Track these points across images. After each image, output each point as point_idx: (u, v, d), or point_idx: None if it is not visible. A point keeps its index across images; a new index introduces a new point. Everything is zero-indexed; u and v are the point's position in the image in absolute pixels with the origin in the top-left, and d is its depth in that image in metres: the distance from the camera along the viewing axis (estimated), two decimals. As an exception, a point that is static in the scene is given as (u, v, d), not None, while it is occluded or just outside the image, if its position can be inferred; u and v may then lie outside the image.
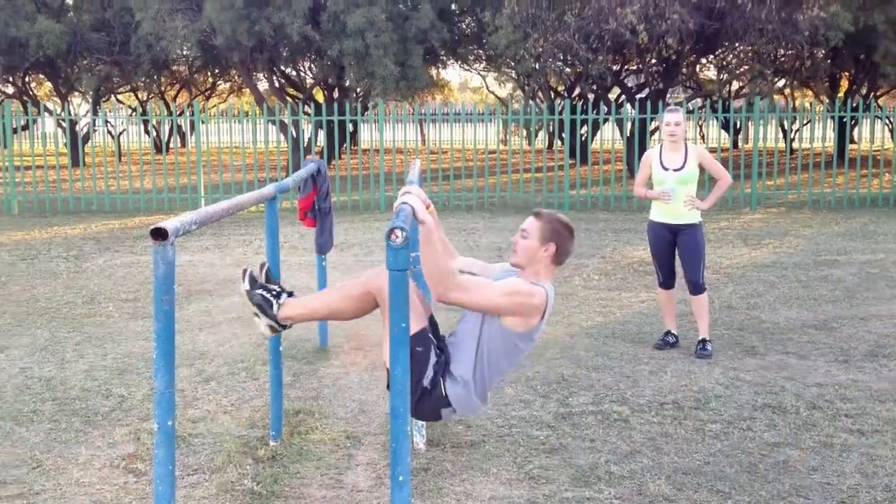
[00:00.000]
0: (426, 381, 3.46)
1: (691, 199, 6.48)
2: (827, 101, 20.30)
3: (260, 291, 3.73)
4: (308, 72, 28.14)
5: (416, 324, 3.44)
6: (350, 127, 20.11)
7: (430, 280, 3.24)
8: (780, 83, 25.33)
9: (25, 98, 28.94)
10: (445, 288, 3.25)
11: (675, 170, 6.48)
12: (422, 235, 3.23)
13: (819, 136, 36.58)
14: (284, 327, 3.73)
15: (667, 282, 6.71)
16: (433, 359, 3.48)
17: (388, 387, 3.53)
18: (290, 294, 3.78)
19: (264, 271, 3.84)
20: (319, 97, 29.17)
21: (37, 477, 4.33)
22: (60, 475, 4.35)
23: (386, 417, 5.12)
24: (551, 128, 32.07)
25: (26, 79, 29.94)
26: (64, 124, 19.63)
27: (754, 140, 16.38)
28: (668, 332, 6.72)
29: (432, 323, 3.62)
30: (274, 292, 3.74)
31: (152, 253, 2.70)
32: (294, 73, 28.27)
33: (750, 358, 6.38)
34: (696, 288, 6.53)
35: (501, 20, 18.44)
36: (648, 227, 6.74)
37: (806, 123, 31.70)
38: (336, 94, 26.63)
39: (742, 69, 22.56)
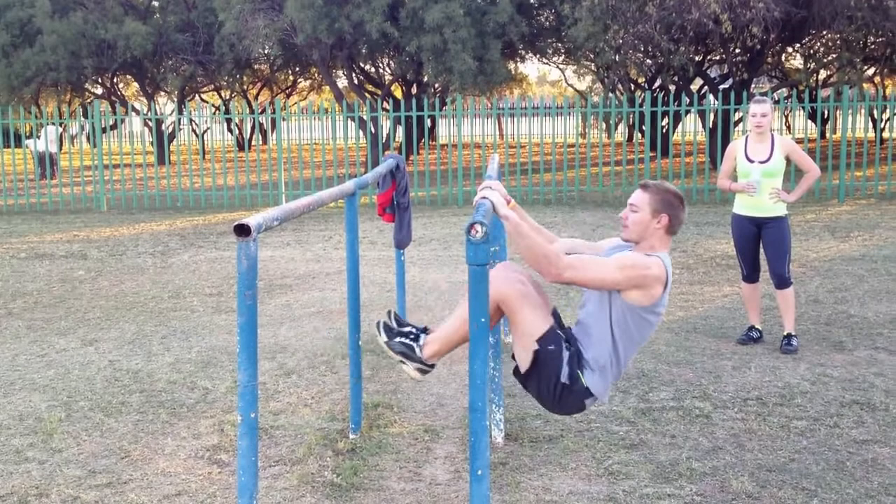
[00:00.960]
0: (564, 378, 3.44)
1: (777, 191, 6.33)
2: (919, 88, 19.68)
3: (398, 339, 3.66)
4: (386, 68, 28.30)
5: (543, 323, 3.43)
6: (428, 122, 20.20)
7: (538, 267, 3.23)
8: (870, 71, 24.60)
9: (114, 98, 29.76)
10: (557, 269, 3.23)
11: (760, 162, 6.33)
12: (511, 230, 3.20)
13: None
14: (432, 366, 3.65)
15: (751, 276, 6.57)
16: (566, 354, 3.45)
17: (513, 373, 3.56)
18: (425, 330, 3.72)
19: (393, 317, 3.76)
20: (398, 93, 29.34)
21: (125, 467, 4.45)
22: (147, 465, 4.47)
23: (464, 411, 5.13)
24: (631, 120, 31.70)
25: (114, 79, 30.78)
26: (150, 123, 20.11)
27: (842, 130, 15.93)
28: (751, 327, 6.58)
29: (556, 316, 3.59)
30: (412, 335, 3.67)
31: (236, 248, 2.75)
32: (373, 69, 28.47)
33: (837, 353, 6.21)
34: (782, 282, 6.39)
35: (581, 12, 18.26)
36: (732, 220, 6.61)
37: (897, 112, 30.74)
38: (414, 90, 26.74)
39: (830, 57, 21.97)
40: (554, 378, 3.43)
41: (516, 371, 3.57)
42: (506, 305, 3.47)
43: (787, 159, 6.42)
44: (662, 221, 3.52)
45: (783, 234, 6.37)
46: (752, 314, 6.62)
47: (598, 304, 3.48)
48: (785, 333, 6.39)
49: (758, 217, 6.41)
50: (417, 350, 3.63)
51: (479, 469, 2.81)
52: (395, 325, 3.74)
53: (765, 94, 18.51)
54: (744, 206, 6.48)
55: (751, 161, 6.37)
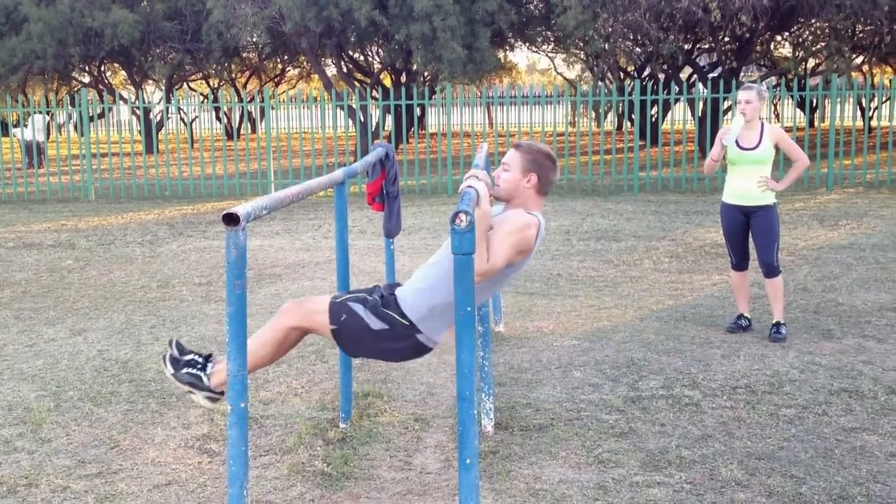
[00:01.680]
0: (376, 326, 3.53)
1: (765, 179, 6.34)
2: (907, 77, 19.76)
3: (185, 370, 3.68)
4: (376, 56, 28.22)
5: (322, 307, 3.60)
6: (418, 111, 20.17)
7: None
8: (858, 60, 24.65)
9: (101, 87, 29.61)
10: (480, 275, 3.30)
11: (749, 149, 6.34)
12: (476, 222, 3.22)
13: (899, 114, 35.54)
14: (222, 394, 3.66)
15: (740, 264, 6.59)
16: (360, 307, 3.57)
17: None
18: (209, 357, 3.75)
19: (174, 346, 3.78)
20: (387, 82, 29.27)
21: (114, 456, 4.44)
22: (137, 455, 4.46)
23: (454, 400, 5.14)
24: (621, 109, 31.70)
25: (102, 68, 30.62)
26: (138, 112, 20.01)
27: (831, 118, 15.97)
28: (740, 316, 6.60)
29: (351, 291, 3.79)
30: (198, 365, 3.70)
31: (225, 238, 2.74)
32: (362, 57, 28.40)
33: (826, 341, 6.24)
34: (770, 270, 6.41)
35: (570, 0, 18.25)
36: (721, 209, 6.62)
37: (885, 101, 30.79)
38: (403, 79, 26.68)
39: (818, 46, 22.00)
40: (367, 333, 3.53)
41: (349, 353, 3.75)
42: (311, 324, 3.63)
43: (777, 148, 6.42)
44: (532, 181, 3.61)
45: (772, 222, 6.38)
46: (741, 302, 6.64)
47: (447, 265, 3.50)
48: (774, 322, 6.41)
49: (746, 206, 6.42)
50: (205, 379, 3.67)
51: (469, 458, 2.81)
52: (177, 354, 3.75)
53: (754, 82, 18.57)
54: (732, 195, 6.49)
55: (741, 148, 6.37)
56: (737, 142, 6.38)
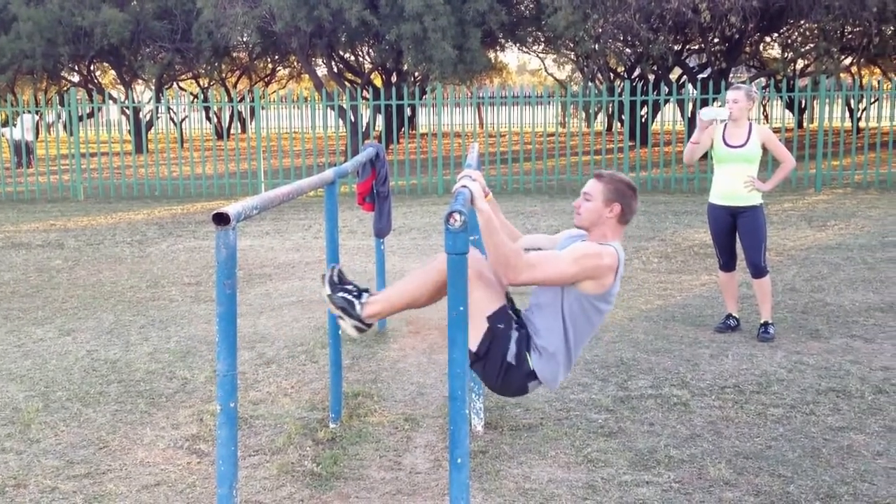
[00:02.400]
0: (510, 358, 3.46)
1: (752, 179, 6.36)
2: (895, 78, 19.82)
3: (341, 294, 3.67)
4: (366, 56, 28.22)
5: (495, 301, 3.45)
6: (408, 111, 20.17)
7: (498, 267, 3.25)
8: (847, 61, 24.75)
9: (90, 86, 29.52)
10: (515, 272, 3.26)
11: (737, 147, 6.36)
12: (482, 225, 3.22)
13: (887, 115, 35.69)
14: (369, 325, 3.66)
15: (727, 264, 6.61)
16: (514, 334, 3.47)
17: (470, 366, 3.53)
18: (367, 291, 3.73)
19: (336, 272, 3.77)
20: (377, 82, 29.25)
21: (103, 457, 4.44)
22: (126, 455, 4.45)
23: (444, 400, 5.14)
24: (611, 110, 31.75)
25: (91, 67, 30.52)
26: (128, 111, 19.97)
27: (819, 119, 16.03)
28: (729, 316, 6.63)
29: (508, 299, 3.61)
30: (354, 292, 3.69)
31: (215, 237, 2.74)
32: (352, 58, 28.38)
33: (814, 341, 6.27)
34: (758, 271, 6.43)
35: (561, 1, 18.27)
36: (708, 210, 6.64)
37: (873, 102, 30.92)
38: (394, 79, 26.68)
39: (807, 47, 22.07)
40: (501, 356, 3.46)
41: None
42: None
43: (764, 148, 6.45)
44: (615, 210, 3.56)
45: (758, 223, 6.40)
46: (729, 302, 6.67)
47: (550, 292, 3.50)
48: (762, 322, 6.43)
49: (733, 206, 6.44)
50: (357, 307, 3.63)
51: (459, 457, 2.82)
52: (338, 279, 3.74)
53: (743, 83, 18.64)
54: (719, 196, 6.51)
55: (729, 146, 6.38)
56: (724, 140, 6.40)
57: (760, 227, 6.40)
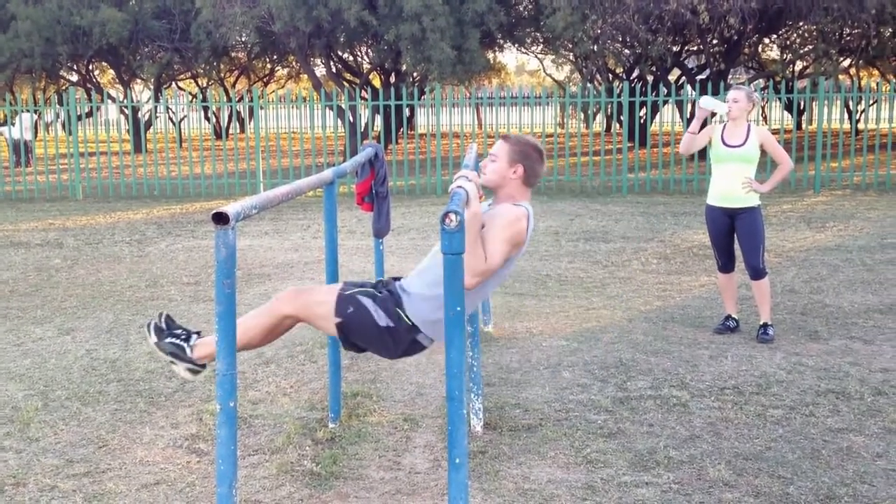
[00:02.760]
0: (382, 322, 3.54)
1: (749, 181, 6.36)
2: (894, 80, 19.83)
3: (169, 340, 3.71)
4: (365, 57, 28.21)
5: (329, 297, 3.60)
6: (407, 111, 20.17)
7: (466, 271, 3.29)
8: (846, 63, 24.77)
9: (89, 86, 29.51)
10: (473, 274, 3.33)
11: (735, 146, 6.36)
12: (467, 225, 3.23)
13: (885, 117, 35.72)
14: (203, 366, 3.69)
15: (726, 266, 6.61)
16: (369, 301, 3.57)
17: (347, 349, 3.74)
18: (198, 334, 3.76)
19: (163, 319, 3.80)
20: (376, 82, 29.25)
21: (103, 456, 4.43)
22: (125, 454, 4.45)
23: (443, 400, 5.14)
24: (609, 110, 31.76)
25: (90, 67, 30.50)
26: (126, 111, 19.97)
27: (818, 121, 16.05)
28: (728, 317, 6.63)
29: (358, 284, 3.73)
30: (182, 336, 3.72)
31: (214, 237, 2.74)
32: (351, 58, 28.37)
33: (813, 343, 6.27)
34: (756, 273, 6.43)
35: (559, 2, 18.28)
36: (706, 211, 6.64)
37: (872, 104, 30.92)
38: (393, 79, 26.67)
39: (806, 49, 22.10)
40: (374, 328, 3.54)
41: (352, 348, 3.73)
42: (306, 315, 3.64)
43: (763, 150, 6.45)
44: (518, 172, 3.65)
45: (756, 224, 6.40)
46: (728, 304, 6.67)
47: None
48: (761, 323, 6.43)
49: (730, 208, 6.44)
50: (188, 350, 3.68)
51: (458, 458, 2.82)
52: (164, 326, 3.77)
53: (742, 84, 18.59)
54: (716, 197, 6.51)
55: (727, 146, 6.39)
56: (723, 139, 6.41)
57: (758, 229, 6.40)
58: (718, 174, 6.48)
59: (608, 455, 4.36)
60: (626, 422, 4.80)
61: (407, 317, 3.56)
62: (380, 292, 3.63)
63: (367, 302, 3.57)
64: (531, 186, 3.71)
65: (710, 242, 6.70)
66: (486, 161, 3.71)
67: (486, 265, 3.36)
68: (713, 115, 6.46)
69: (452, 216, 2.70)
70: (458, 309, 2.78)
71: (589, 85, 21.55)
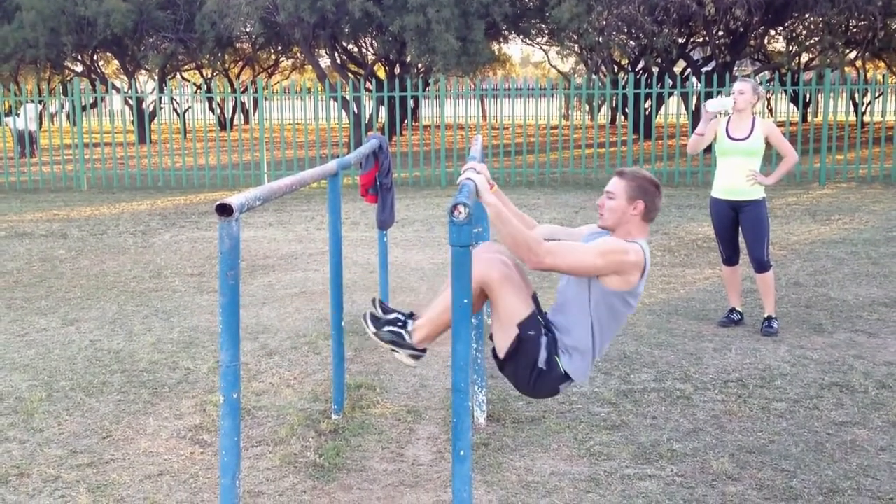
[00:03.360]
0: (541, 363, 3.44)
1: (754, 173, 6.35)
2: (900, 73, 19.83)
3: (387, 328, 3.63)
4: (369, 48, 28.17)
5: (525, 308, 3.44)
6: (411, 103, 20.14)
7: (518, 254, 3.24)
8: (852, 55, 24.70)
9: (93, 76, 29.48)
10: (537, 256, 3.23)
11: (740, 139, 6.35)
12: (493, 216, 3.20)
13: (891, 109, 35.62)
14: (424, 350, 3.63)
15: (730, 258, 6.60)
16: (544, 340, 3.46)
17: (492, 355, 3.56)
18: (412, 316, 3.70)
19: (378, 305, 3.74)
20: (381, 73, 29.21)
21: (106, 447, 4.44)
22: (129, 445, 4.46)
23: (447, 392, 5.14)
24: (614, 102, 31.69)
25: (94, 57, 30.49)
26: (131, 102, 19.98)
27: (824, 113, 16.00)
28: (732, 310, 6.62)
29: (535, 301, 3.59)
30: (399, 322, 3.65)
31: (218, 228, 2.73)
32: (355, 49, 28.32)
33: (817, 336, 6.26)
34: (761, 266, 6.41)
35: (564, -7, 18.23)
36: (710, 204, 6.63)
37: (878, 96, 30.86)
38: (397, 70, 26.64)
39: (812, 41, 22.02)
40: (532, 363, 3.44)
41: (494, 354, 3.57)
42: (488, 288, 3.47)
43: (767, 143, 6.43)
44: (639, 208, 3.51)
45: (761, 217, 6.39)
46: (732, 296, 6.66)
47: (576, 290, 3.47)
48: (765, 316, 6.42)
49: (735, 200, 6.42)
50: (407, 336, 3.60)
51: (462, 450, 2.82)
52: (380, 313, 3.70)
53: (747, 76, 18.50)
54: (721, 190, 6.49)
55: (731, 138, 6.37)
56: (727, 132, 6.39)
57: (763, 222, 6.38)
58: (723, 167, 6.46)
59: (611, 447, 4.35)
60: (630, 414, 4.80)
61: (562, 367, 3.47)
62: (549, 333, 3.51)
63: (543, 339, 3.46)
64: (650, 222, 3.59)
65: (715, 235, 6.69)
66: (602, 199, 3.54)
67: (545, 248, 3.22)
68: (720, 113, 6.43)
69: (461, 208, 2.69)
70: (465, 301, 2.77)
71: (594, 77, 21.49)
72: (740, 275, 6.73)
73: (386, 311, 3.72)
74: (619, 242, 3.44)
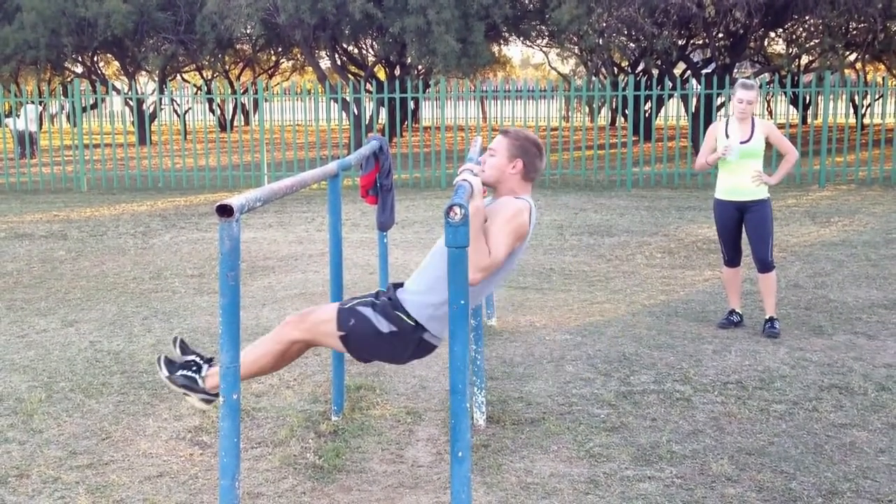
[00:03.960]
0: (384, 328, 3.53)
1: (758, 173, 6.35)
2: (900, 75, 19.82)
3: (180, 373, 3.73)
4: (370, 49, 28.17)
5: (330, 314, 3.61)
6: (411, 104, 20.14)
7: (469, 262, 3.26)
8: (852, 57, 24.69)
9: (94, 77, 29.48)
10: (476, 269, 3.26)
11: (742, 142, 6.35)
12: (470, 219, 3.22)
13: (891, 112, 35.62)
14: (216, 395, 3.68)
15: (732, 260, 6.60)
16: (369, 310, 3.56)
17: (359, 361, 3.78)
18: (210, 361, 3.78)
19: (178, 345, 3.83)
20: (381, 75, 29.20)
21: (106, 448, 4.44)
22: (128, 446, 4.46)
23: (446, 394, 5.14)
24: (614, 104, 31.70)
25: (95, 58, 30.48)
26: (131, 103, 19.98)
27: (824, 116, 16.00)
28: (732, 311, 6.62)
29: (359, 296, 3.74)
30: (194, 367, 3.74)
31: (218, 229, 2.74)
32: (356, 50, 28.32)
33: (817, 338, 6.26)
34: (765, 266, 6.41)
35: (564, -5, 18.23)
36: (715, 205, 6.62)
37: (878, 98, 30.84)
38: (398, 72, 26.64)
39: (812, 43, 22.01)
40: (377, 335, 3.53)
41: (358, 358, 3.74)
42: (315, 337, 3.64)
43: (768, 143, 6.44)
44: (517, 167, 3.63)
45: (766, 217, 6.39)
46: (732, 298, 6.66)
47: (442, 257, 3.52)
48: (767, 317, 6.41)
49: (740, 201, 6.43)
50: (200, 382, 3.71)
51: (461, 451, 2.82)
52: (178, 354, 3.82)
53: (748, 78, 18.50)
54: (726, 191, 6.49)
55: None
56: (727, 135, 6.39)
57: (768, 221, 6.39)
58: (726, 169, 6.46)
59: (611, 449, 4.36)
60: (629, 416, 4.80)
61: (410, 317, 3.54)
62: (378, 300, 3.62)
63: (367, 311, 3.56)
64: (531, 181, 3.69)
65: (718, 236, 6.68)
66: (484, 156, 3.68)
67: (489, 260, 3.33)
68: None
69: (457, 209, 2.69)
70: (462, 302, 2.78)
71: (594, 78, 21.49)
72: (741, 277, 6.73)
73: (185, 351, 3.83)
74: (510, 203, 3.52)
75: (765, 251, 6.38)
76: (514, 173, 3.62)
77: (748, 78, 14.81)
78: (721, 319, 6.64)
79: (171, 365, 3.77)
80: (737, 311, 6.62)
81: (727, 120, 6.49)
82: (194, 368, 3.74)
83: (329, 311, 3.64)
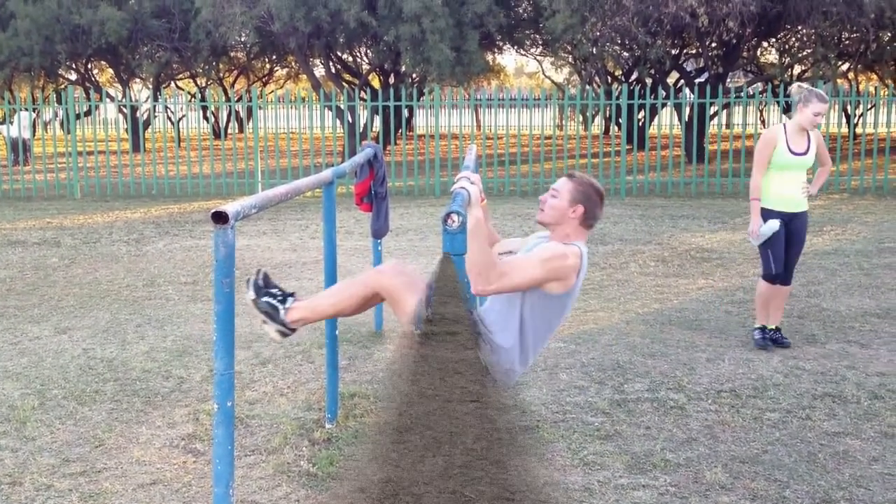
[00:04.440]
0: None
1: (805, 185, 6.32)
2: (892, 85, 19.87)
3: (266, 299, 3.74)
4: (364, 57, 28.20)
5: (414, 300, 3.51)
6: (406, 112, 20.16)
7: (472, 273, 3.24)
8: (844, 67, 24.79)
9: (88, 84, 29.48)
10: (486, 281, 3.25)
11: (801, 154, 6.25)
12: (470, 229, 3.22)
13: (883, 122, 35.74)
14: (293, 330, 3.73)
15: (786, 277, 6.32)
16: None
17: None
18: (293, 296, 3.79)
19: (261, 276, 3.83)
20: (375, 83, 29.23)
21: (99, 455, 4.43)
22: (122, 454, 4.45)
23: (440, 402, 5.13)
24: (608, 113, 31.76)
25: (89, 65, 30.48)
26: (125, 110, 19.97)
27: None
28: (777, 329, 6.37)
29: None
30: (279, 297, 3.74)
31: (213, 236, 2.74)
32: (350, 58, 28.36)
33: (810, 346, 6.27)
34: (791, 276, 6.37)
35: (559, 4, 18.29)
36: (765, 217, 6.25)
37: (870, 108, 30.94)
38: (392, 80, 26.67)
39: (805, 53, 22.11)
40: None
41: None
42: (388, 294, 3.60)
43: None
44: (578, 212, 3.59)
45: (806, 228, 6.35)
46: (776, 315, 6.38)
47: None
48: (776, 327, 6.33)
49: (790, 212, 6.24)
50: (282, 312, 3.71)
51: (456, 459, 2.81)
52: (262, 283, 3.80)
53: (739, 88, 18.52)
54: (781, 202, 6.24)
55: (794, 154, 6.20)
56: (789, 147, 6.24)
57: (805, 233, 6.36)
58: (780, 180, 6.23)
59: (605, 457, 4.36)
60: (623, 424, 4.80)
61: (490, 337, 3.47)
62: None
63: None
64: (589, 228, 3.64)
65: (768, 252, 6.27)
66: (545, 196, 3.61)
67: (498, 271, 3.26)
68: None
69: (454, 216, 2.70)
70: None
71: (588, 87, 21.53)
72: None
73: (268, 284, 3.81)
74: (558, 247, 3.49)
75: (796, 263, 6.36)
76: (574, 218, 3.58)
77: (739, 88, 14.80)
78: (758, 339, 6.32)
79: (258, 289, 3.74)
80: (770, 326, 6.38)
81: (784, 127, 6.28)
82: (279, 298, 3.72)
83: (422, 280, 3.54)
